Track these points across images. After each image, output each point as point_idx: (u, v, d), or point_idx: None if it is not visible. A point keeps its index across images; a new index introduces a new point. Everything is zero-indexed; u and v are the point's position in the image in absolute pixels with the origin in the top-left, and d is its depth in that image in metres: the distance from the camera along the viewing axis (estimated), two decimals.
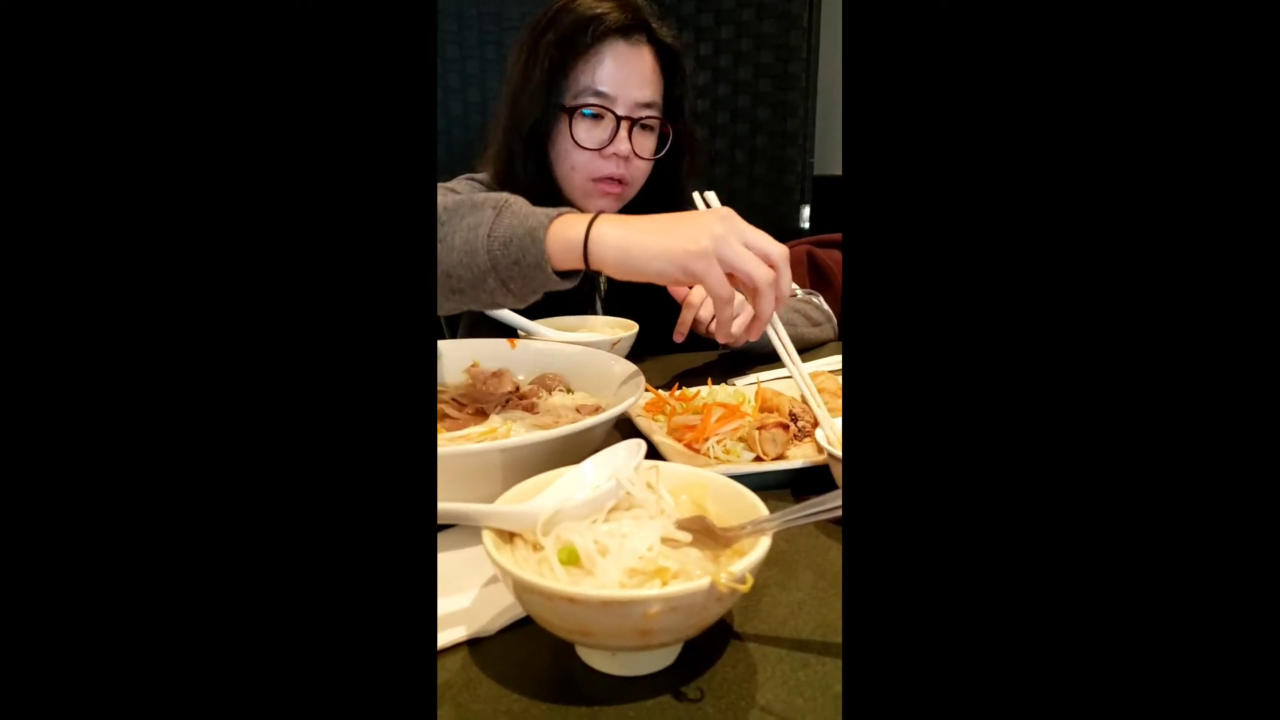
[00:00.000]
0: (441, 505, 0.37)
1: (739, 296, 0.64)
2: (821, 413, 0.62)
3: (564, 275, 0.61)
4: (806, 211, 1.74)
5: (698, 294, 0.89)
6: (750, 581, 0.34)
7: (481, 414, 0.66)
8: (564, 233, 0.60)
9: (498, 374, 0.74)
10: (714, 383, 0.78)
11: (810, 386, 0.64)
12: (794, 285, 0.97)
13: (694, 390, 0.76)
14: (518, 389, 0.72)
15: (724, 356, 1.01)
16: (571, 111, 0.94)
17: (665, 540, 0.38)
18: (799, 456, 0.61)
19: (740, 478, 0.44)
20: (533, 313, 0.94)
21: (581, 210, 0.63)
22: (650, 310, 0.96)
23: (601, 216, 0.60)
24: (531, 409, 0.67)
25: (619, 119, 0.95)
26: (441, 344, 0.77)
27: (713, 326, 0.89)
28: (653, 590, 0.33)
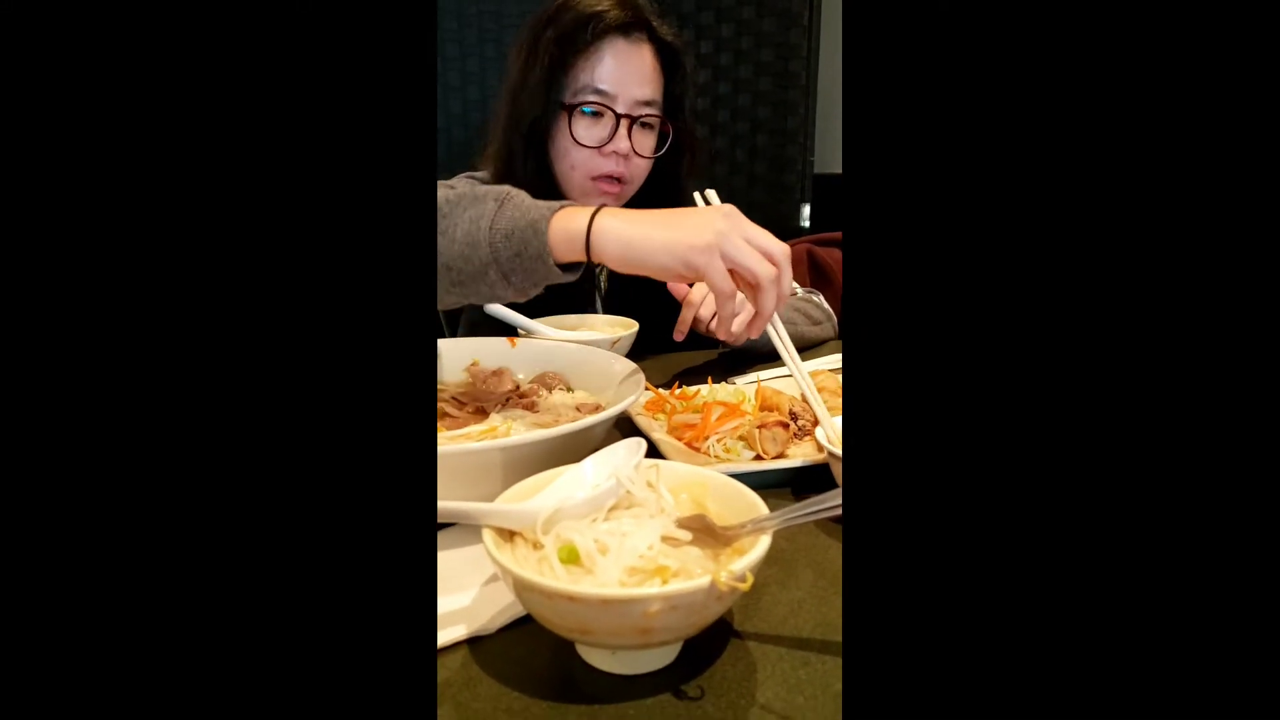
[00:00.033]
0: (441, 504, 0.37)
1: (739, 294, 0.64)
2: (821, 411, 0.62)
3: (566, 268, 0.61)
4: (807, 210, 1.74)
5: (698, 292, 0.89)
6: (750, 580, 0.34)
7: (481, 412, 0.66)
8: (566, 225, 0.59)
9: (498, 372, 0.74)
10: (714, 381, 0.78)
11: (810, 385, 0.64)
12: (794, 284, 0.97)
13: (694, 389, 0.76)
14: (518, 387, 0.72)
15: (724, 355, 1.01)
16: (571, 109, 0.94)
17: (665, 539, 0.38)
18: (799, 455, 0.61)
19: (740, 476, 0.44)
20: (533, 311, 0.94)
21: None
22: (650, 309, 0.96)
23: (604, 209, 0.60)
24: (531, 407, 0.67)
25: (619, 117, 0.95)
26: (441, 343, 0.77)
27: (713, 325, 0.89)
28: (653, 589, 0.33)
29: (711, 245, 0.57)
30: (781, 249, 0.60)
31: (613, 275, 1.10)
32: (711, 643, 0.39)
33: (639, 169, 1.00)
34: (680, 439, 0.66)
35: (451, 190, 0.66)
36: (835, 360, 0.92)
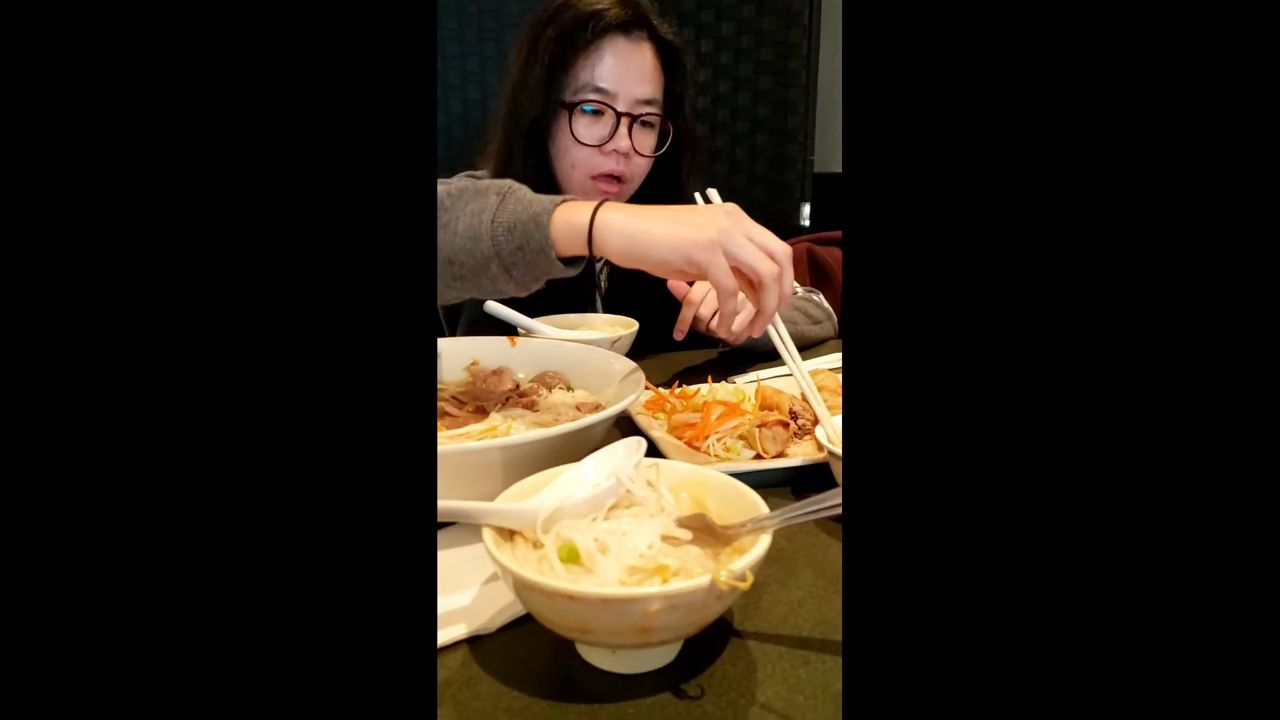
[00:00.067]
0: (441, 503, 0.37)
1: (740, 294, 0.64)
2: (821, 410, 0.62)
3: (568, 262, 0.61)
4: (807, 209, 1.74)
5: (698, 291, 0.89)
6: (750, 579, 0.34)
7: (481, 412, 0.66)
8: (569, 218, 0.59)
9: (498, 372, 0.74)
10: (714, 380, 0.78)
11: (810, 384, 0.64)
12: (794, 283, 0.97)
13: (694, 388, 0.76)
14: (518, 387, 0.72)
15: (724, 354, 1.01)
16: (572, 107, 0.94)
17: (665, 538, 0.38)
18: (799, 454, 0.61)
19: (740, 475, 0.44)
20: (533, 310, 0.94)
21: None
22: (650, 308, 0.96)
23: (607, 204, 0.60)
24: (531, 407, 0.67)
25: (619, 115, 0.95)
26: (441, 342, 0.77)
27: (713, 324, 0.89)
28: (653, 588, 0.33)
29: (714, 242, 0.56)
30: (783, 248, 0.59)
31: (613, 274, 1.10)
32: (711, 642, 0.39)
33: (639, 168, 1.00)
34: (680, 438, 0.66)
35: (454, 184, 0.66)
36: (835, 359, 0.92)
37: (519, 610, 0.41)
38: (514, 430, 0.61)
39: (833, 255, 1.18)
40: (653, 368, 0.87)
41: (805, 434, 0.65)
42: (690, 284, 0.89)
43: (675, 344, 0.89)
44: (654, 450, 0.60)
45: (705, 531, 0.39)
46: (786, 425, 0.63)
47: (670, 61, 1.00)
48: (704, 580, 0.33)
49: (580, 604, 0.33)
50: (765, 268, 0.57)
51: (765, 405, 0.68)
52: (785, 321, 0.67)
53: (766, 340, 0.67)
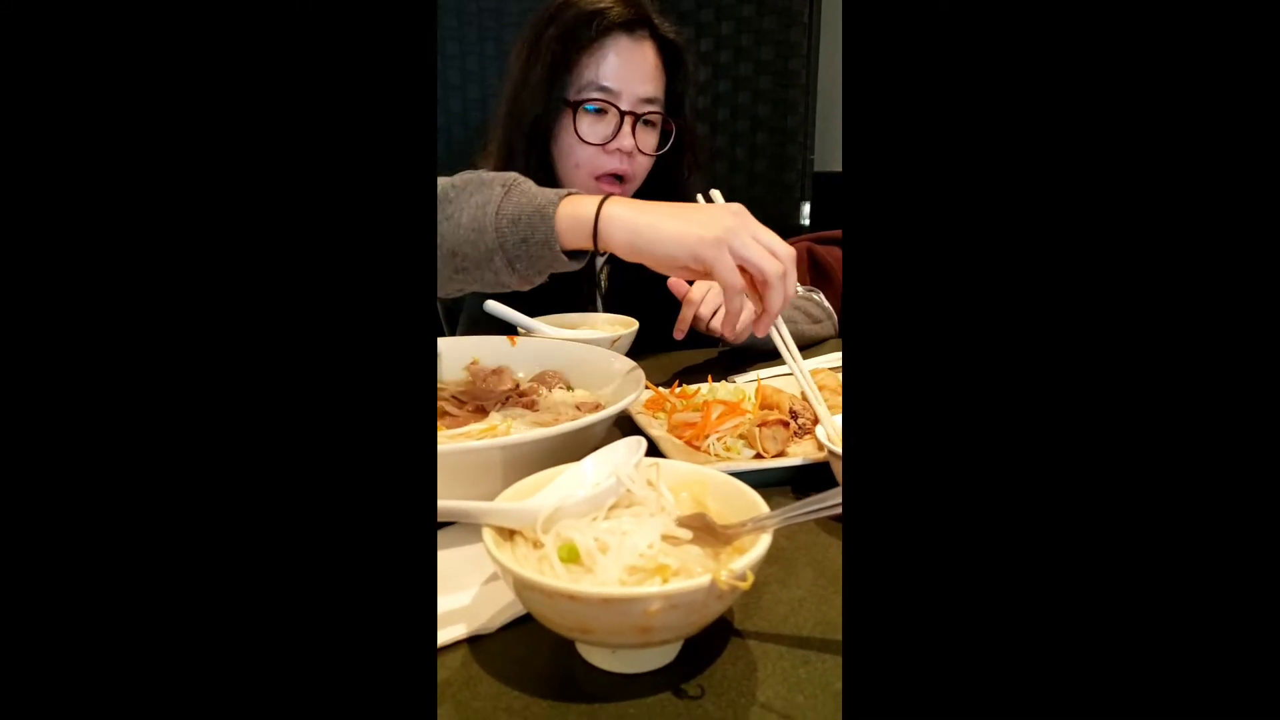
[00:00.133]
0: (441, 503, 0.37)
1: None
2: (822, 410, 0.62)
3: (572, 256, 0.60)
4: (807, 208, 1.74)
5: (698, 290, 0.88)
6: (750, 579, 0.34)
7: (481, 411, 0.66)
8: (574, 211, 0.59)
9: (498, 371, 0.74)
10: (714, 380, 0.78)
11: (811, 384, 0.64)
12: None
13: (694, 387, 0.76)
14: (518, 386, 0.72)
15: (724, 354, 1.01)
16: (575, 106, 0.94)
17: (666, 537, 0.38)
18: (799, 454, 0.61)
19: (740, 475, 0.44)
20: (533, 309, 0.94)
21: None
22: (650, 307, 0.96)
23: (612, 198, 0.59)
24: (531, 406, 0.67)
25: (622, 114, 0.95)
26: (441, 341, 0.77)
27: (713, 323, 0.89)
28: (653, 588, 0.33)
29: (721, 240, 0.56)
30: (787, 249, 0.59)
31: (613, 274, 1.10)
32: (712, 641, 0.39)
33: (641, 167, 1.00)
34: (680, 437, 0.66)
35: (459, 175, 0.65)
36: (835, 359, 0.92)
37: (519, 610, 0.41)
38: (514, 430, 0.61)
39: (833, 255, 1.18)
40: (653, 367, 0.87)
41: (805, 433, 0.65)
42: (690, 283, 0.89)
43: (675, 343, 0.89)
44: (654, 450, 0.60)
45: (705, 531, 0.39)
46: (786, 424, 0.63)
47: (672, 60, 1.00)
48: (704, 580, 0.33)
49: (580, 604, 0.33)
50: (771, 267, 0.57)
51: (765, 404, 0.68)
52: (785, 320, 0.67)
53: (766, 340, 0.67)
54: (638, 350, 0.94)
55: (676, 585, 0.33)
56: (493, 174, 0.63)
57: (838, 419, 0.61)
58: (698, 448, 0.64)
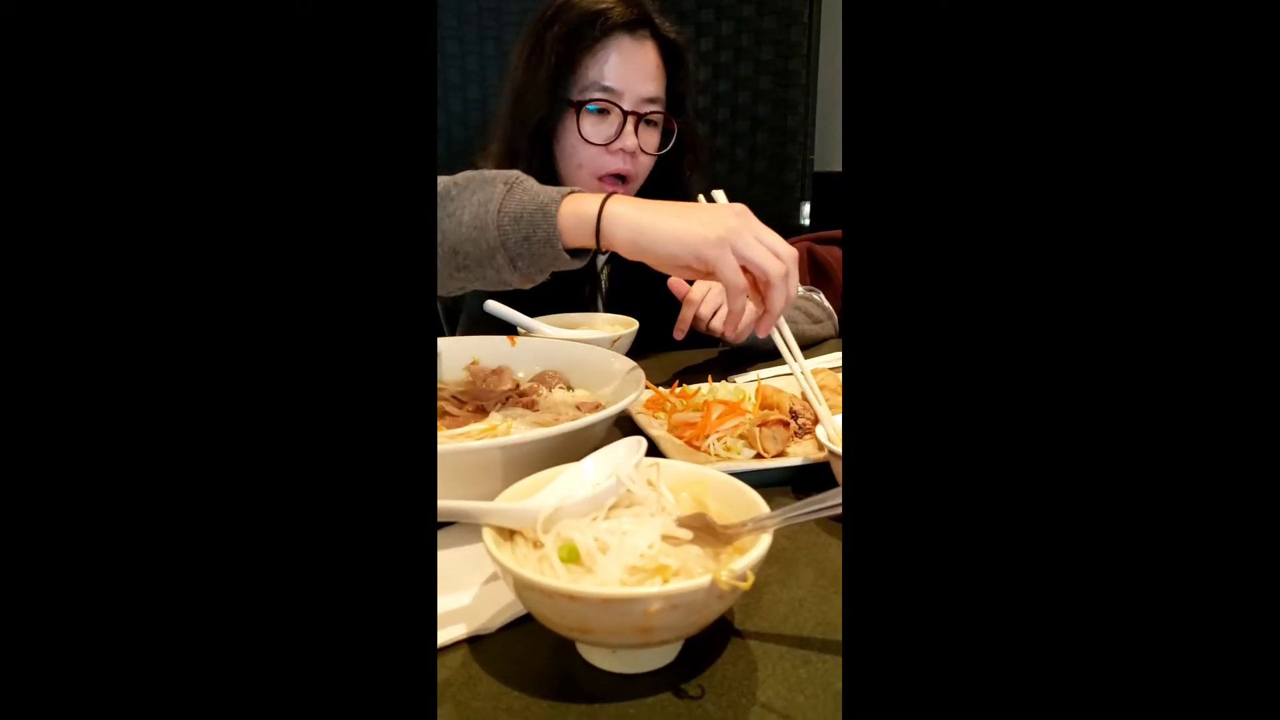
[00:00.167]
0: (441, 503, 0.37)
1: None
2: (822, 409, 0.62)
3: (574, 254, 0.60)
4: (807, 208, 1.74)
5: (698, 290, 0.88)
6: (751, 579, 0.34)
7: (481, 411, 0.66)
8: (577, 209, 0.59)
9: (498, 371, 0.74)
10: (714, 380, 0.78)
11: (812, 383, 0.64)
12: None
13: (694, 387, 0.76)
14: (518, 386, 0.72)
15: (724, 354, 1.01)
16: (578, 107, 0.94)
17: (666, 538, 0.38)
18: (799, 454, 0.61)
19: (741, 475, 0.44)
20: (533, 309, 0.94)
21: None
22: (650, 307, 0.96)
23: (615, 196, 0.59)
24: (531, 406, 0.67)
25: (625, 114, 0.95)
26: (441, 341, 0.76)
27: (713, 323, 0.89)
28: (653, 588, 0.33)
29: (724, 240, 0.56)
30: (790, 250, 0.59)
31: (613, 274, 1.10)
32: (712, 641, 0.39)
33: (644, 166, 1.00)
34: (681, 437, 0.66)
35: (461, 173, 0.65)
36: (835, 359, 0.92)
37: (519, 610, 0.41)
38: (514, 430, 0.60)
39: (833, 255, 1.18)
40: (653, 367, 0.87)
41: (805, 433, 0.65)
42: (690, 283, 0.89)
43: (675, 343, 0.89)
44: (654, 449, 0.60)
45: (706, 531, 0.39)
46: (787, 424, 0.63)
47: (673, 60, 1.00)
48: (704, 580, 0.33)
49: (581, 604, 0.33)
50: (773, 267, 0.57)
51: (765, 404, 0.68)
52: (786, 320, 0.67)
53: (766, 340, 0.67)
54: (638, 350, 0.94)
55: (677, 585, 0.33)
56: (495, 172, 0.63)
57: (838, 419, 0.61)
58: (698, 448, 0.64)
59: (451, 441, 0.53)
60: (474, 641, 0.39)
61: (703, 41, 1.69)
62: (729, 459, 0.62)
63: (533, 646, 0.39)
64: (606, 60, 0.94)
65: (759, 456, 0.61)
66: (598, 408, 0.61)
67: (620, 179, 0.99)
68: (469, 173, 0.64)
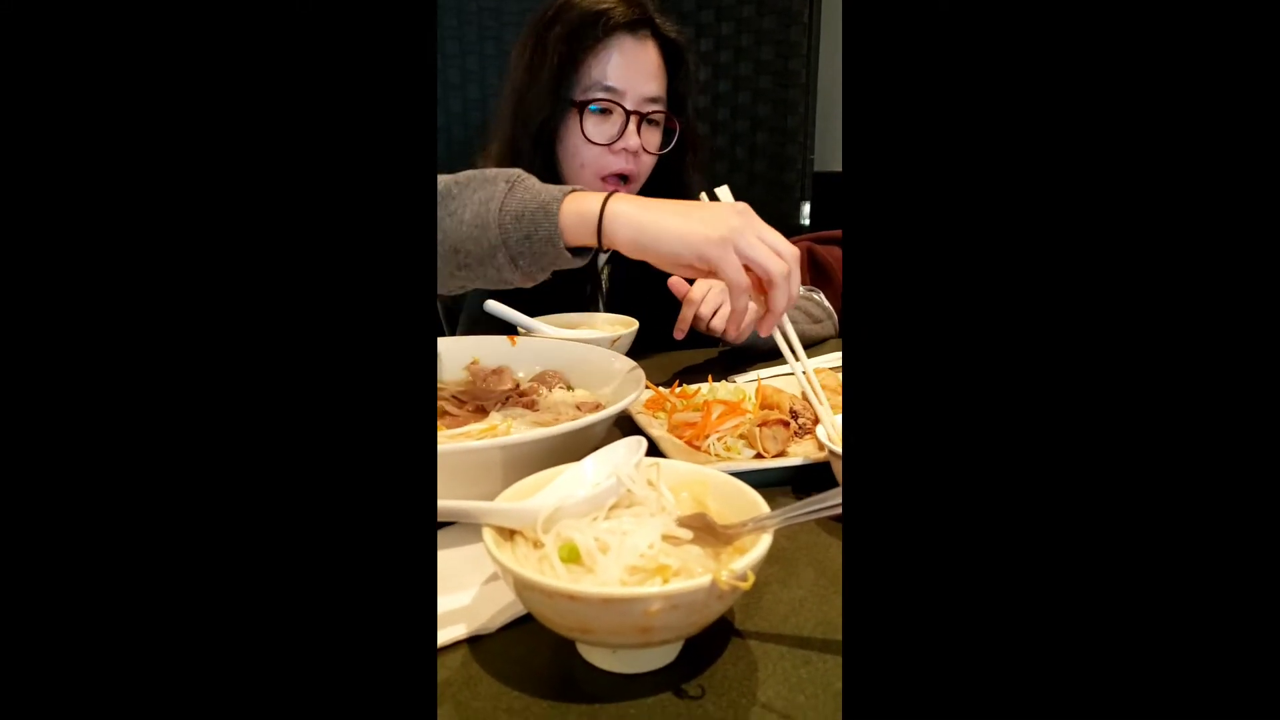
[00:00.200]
0: (441, 503, 0.37)
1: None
2: (823, 409, 0.62)
3: (576, 252, 0.60)
4: (807, 208, 1.74)
5: (699, 290, 0.88)
6: (751, 579, 0.34)
7: (481, 411, 0.66)
8: (578, 207, 0.59)
9: (498, 371, 0.74)
10: (714, 379, 0.78)
11: (815, 382, 0.64)
12: None
13: (694, 387, 0.76)
14: (518, 386, 0.72)
15: (724, 353, 1.01)
16: (581, 107, 0.94)
17: (666, 537, 0.38)
18: (800, 453, 0.61)
19: (741, 475, 0.44)
20: (533, 309, 0.94)
21: None
22: (651, 307, 0.96)
23: (617, 194, 0.59)
24: (531, 406, 0.67)
25: (628, 114, 0.95)
26: (441, 341, 0.76)
27: (713, 323, 0.89)
28: (654, 588, 0.33)
29: (725, 239, 0.56)
30: (792, 249, 0.59)
31: (614, 274, 1.10)
32: (712, 641, 0.39)
33: (646, 166, 1.00)
34: (681, 437, 0.66)
35: (462, 172, 0.65)
36: (835, 359, 0.92)
37: (519, 610, 0.41)
38: (514, 430, 0.60)
39: (833, 254, 1.18)
40: (653, 367, 0.87)
41: (805, 433, 0.65)
42: (690, 282, 0.89)
43: (675, 343, 0.89)
44: (654, 449, 0.60)
45: (706, 531, 0.39)
46: (787, 424, 0.63)
47: (674, 60, 1.00)
48: (705, 580, 0.33)
49: (581, 604, 0.33)
50: (776, 267, 0.57)
51: (766, 404, 0.68)
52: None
53: (766, 339, 0.67)
54: (638, 350, 0.94)
55: (677, 585, 0.33)
56: (496, 170, 0.63)
57: (838, 418, 0.61)
58: (698, 448, 0.64)
59: (451, 441, 0.53)
60: (474, 641, 0.39)
61: (703, 42, 1.69)
62: (729, 459, 0.62)
63: (533, 646, 0.39)
64: (609, 60, 0.94)
65: (759, 456, 0.61)
66: (598, 408, 0.61)
67: (623, 179, 0.99)
68: (470, 171, 0.64)
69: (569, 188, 0.60)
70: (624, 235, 0.58)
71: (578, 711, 0.34)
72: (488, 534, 0.37)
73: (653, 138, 1.00)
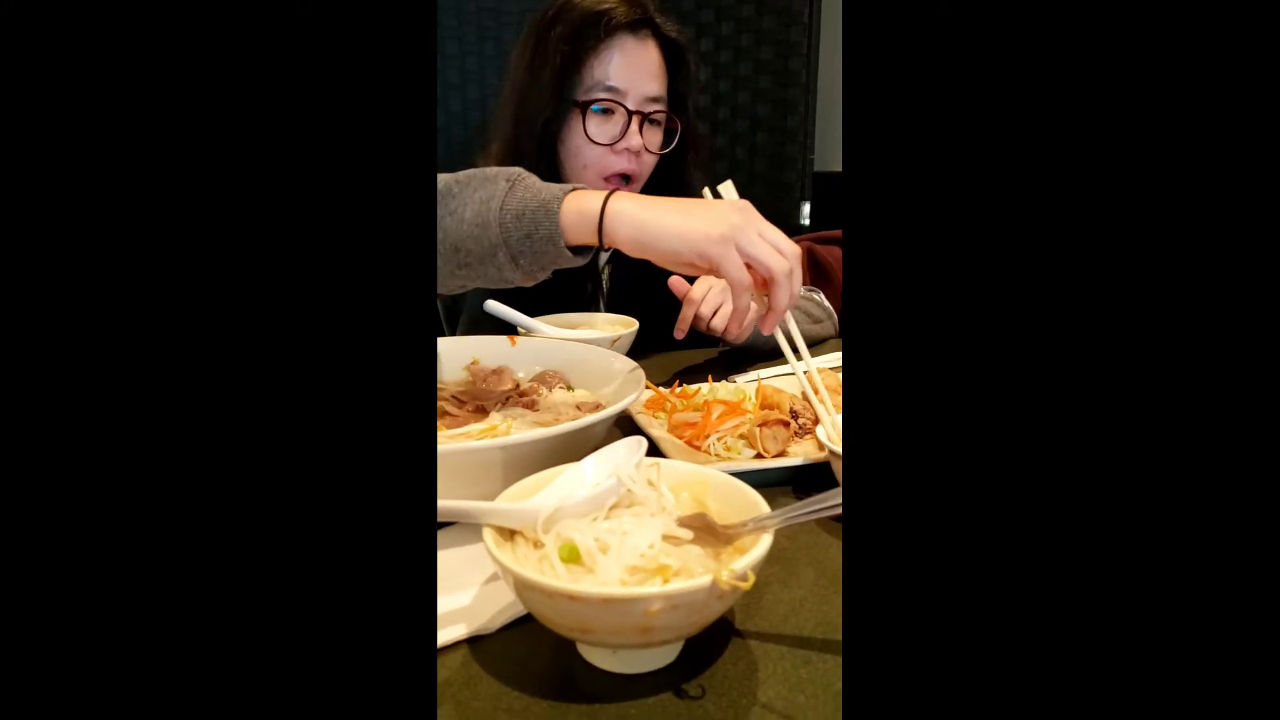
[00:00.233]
0: (442, 503, 0.37)
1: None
2: (820, 408, 0.62)
3: (576, 251, 0.60)
4: (807, 208, 1.74)
5: (699, 290, 0.88)
6: (751, 579, 0.34)
7: (482, 411, 0.66)
8: (579, 206, 0.58)
9: (498, 371, 0.74)
10: (715, 379, 0.78)
11: (817, 381, 0.64)
12: None
13: (695, 387, 0.76)
14: (518, 386, 0.72)
15: (724, 353, 1.00)
16: (583, 107, 0.94)
17: (666, 537, 0.38)
18: (800, 453, 0.61)
19: (741, 475, 0.43)
20: (533, 309, 0.94)
21: None
22: (651, 307, 0.96)
23: (618, 193, 0.59)
24: (532, 406, 0.67)
25: (630, 114, 0.95)
26: (441, 341, 0.76)
27: (714, 323, 0.89)
28: (654, 588, 0.33)
29: (727, 237, 0.56)
30: (793, 246, 0.59)
31: (614, 273, 1.10)
32: (713, 642, 0.38)
33: (648, 165, 1.00)
34: (681, 437, 0.66)
35: (462, 171, 0.65)
36: (835, 359, 0.92)
37: (519, 610, 0.41)
38: (514, 430, 0.60)
39: (833, 254, 1.18)
40: (653, 367, 0.87)
41: (805, 433, 0.65)
42: (691, 282, 0.89)
43: (676, 343, 0.89)
44: (654, 449, 0.60)
45: (706, 531, 0.39)
46: (787, 424, 0.63)
47: (675, 59, 1.00)
48: (705, 580, 0.33)
49: (581, 604, 0.33)
50: (778, 264, 0.57)
51: (766, 404, 0.68)
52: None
53: (767, 339, 0.67)
54: (638, 350, 0.94)
55: (677, 585, 0.33)
56: (496, 169, 0.63)
57: (838, 418, 0.61)
58: (698, 448, 0.64)
59: (451, 441, 0.53)
60: (474, 641, 0.39)
61: (703, 41, 1.69)
62: (729, 459, 0.62)
63: (533, 646, 0.39)
64: (610, 60, 0.94)
65: (759, 456, 0.61)
66: (598, 408, 0.61)
67: (625, 179, 0.99)
68: (470, 170, 0.64)
69: (570, 186, 0.60)
70: (625, 233, 0.58)
71: (578, 711, 0.34)
72: (488, 534, 0.37)
73: (654, 137, 1.00)
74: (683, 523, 0.39)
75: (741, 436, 0.64)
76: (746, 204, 0.60)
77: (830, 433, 0.57)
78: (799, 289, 0.60)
